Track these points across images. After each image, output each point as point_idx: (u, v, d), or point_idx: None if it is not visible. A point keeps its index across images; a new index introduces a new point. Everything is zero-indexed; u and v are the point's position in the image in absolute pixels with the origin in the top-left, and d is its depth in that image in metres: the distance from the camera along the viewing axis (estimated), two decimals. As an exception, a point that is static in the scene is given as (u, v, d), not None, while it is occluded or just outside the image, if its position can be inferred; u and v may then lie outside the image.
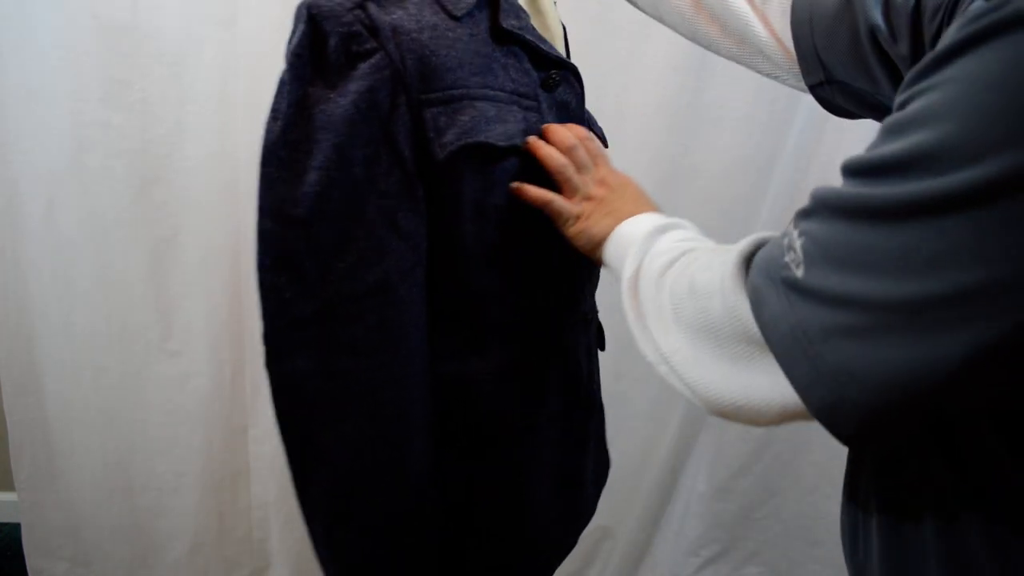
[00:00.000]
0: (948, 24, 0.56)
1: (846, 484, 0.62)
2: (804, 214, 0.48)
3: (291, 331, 0.69)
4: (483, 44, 0.73)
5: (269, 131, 0.68)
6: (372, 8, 0.68)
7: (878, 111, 0.71)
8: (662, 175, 1.51)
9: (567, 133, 0.77)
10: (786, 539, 1.69)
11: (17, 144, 1.51)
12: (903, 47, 0.61)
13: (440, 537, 0.78)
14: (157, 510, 1.69)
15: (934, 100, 0.41)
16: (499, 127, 0.73)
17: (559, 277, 0.83)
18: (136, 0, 1.45)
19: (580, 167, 0.77)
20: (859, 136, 1.46)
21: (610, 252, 0.73)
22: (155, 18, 1.46)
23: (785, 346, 0.46)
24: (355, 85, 0.66)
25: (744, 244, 0.55)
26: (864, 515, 0.58)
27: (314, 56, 0.67)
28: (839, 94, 0.73)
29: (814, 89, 0.74)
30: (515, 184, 0.75)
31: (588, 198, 0.77)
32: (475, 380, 0.79)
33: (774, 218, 1.53)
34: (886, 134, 0.44)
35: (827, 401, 0.44)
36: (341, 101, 0.66)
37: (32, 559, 1.72)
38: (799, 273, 0.46)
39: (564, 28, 0.86)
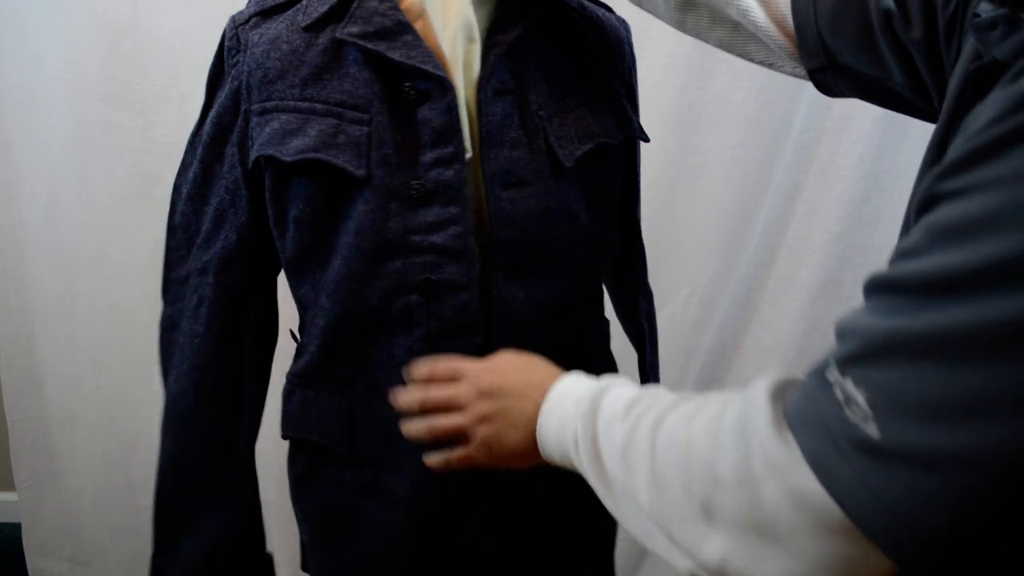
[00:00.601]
0: (964, 12, 0.54)
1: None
2: (854, 359, 0.40)
3: (170, 285, 0.86)
4: (321, 54, 0.74)
5: (195, 126, 0.83)
6: (253, 22, 0.78)
7: (883, 97, 0.68)
8: (663, 175, 1.51)
9: (436, 392, 0.68)
10: (786, 539, 1.69)
11: (17, 144, 1.51)
12: (917, 31, 0.59)
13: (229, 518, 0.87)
14: (157, 510, 1.69)
15: (1005, 197, 0.35)
16: (294, 141, 0.74)
17: (385, 309, 0.77)
18: (136, 0, 1.45)
19: (463, 405, 0.67)
20: (860, 137, 1.46)
21: (552, 454, 0.62)
22: (155, 18, 1.46)
23: (878, 523, 0.38)
24: (222, 93, 0.79)
25: (763, 407, 0.45)
26: None
27: (219, 64, 0.80)
28: (841, 79, 0.70)
29: (813, 74, 0.71)
30: (431, 463, 0.70)
31: (484, 421, 0.66)
32: (291, 381, 0.86)
33: (774, 218, 1.53)
34: (942, 239, 0.37)
35: (940, 566, 0.38)
36: (216, 103, 0.79)
37: (32, 559, 1.71)
38: (873, 433, 0.38)
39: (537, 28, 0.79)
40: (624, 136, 0.84)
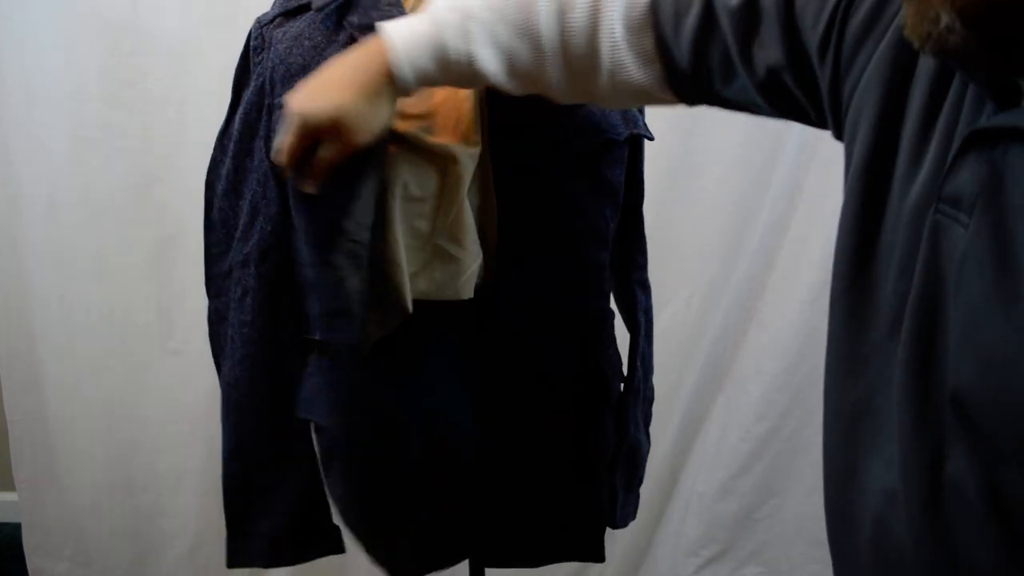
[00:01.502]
0: (842, 26, 0.52)
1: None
2: None
3: (212, 280, 0.90)
4: (340, 49, 0.78)
5: (223, 124, 0.87)
6: (277, 22, 0.82)
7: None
8: (663, 175, 1.51)
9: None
10: (786, 539, 1.69)
11: (17, 144, 1.51)
12: (775, 54, 0.57)
13: (287, 481, 0.92)
14: (158, 509, 1.69)
15: None
16: None
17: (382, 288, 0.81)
18: (136, 1, 1.45)
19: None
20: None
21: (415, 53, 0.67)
22: (156, 18, 1.46)
23: None
24: (248, 91, 0.84)
25: None
26: None
27: (244, 64, 0.85)
28: (714, 103, 0.67)
29: (686, 101, 0.68)
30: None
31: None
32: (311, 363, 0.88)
33: (774, 218, 1.53)
34: None
35: None
36: (244, 101, 0.84)
37: (32, 559, 1.71)
38: None
39: None
40: (629, 132, 0.86)
